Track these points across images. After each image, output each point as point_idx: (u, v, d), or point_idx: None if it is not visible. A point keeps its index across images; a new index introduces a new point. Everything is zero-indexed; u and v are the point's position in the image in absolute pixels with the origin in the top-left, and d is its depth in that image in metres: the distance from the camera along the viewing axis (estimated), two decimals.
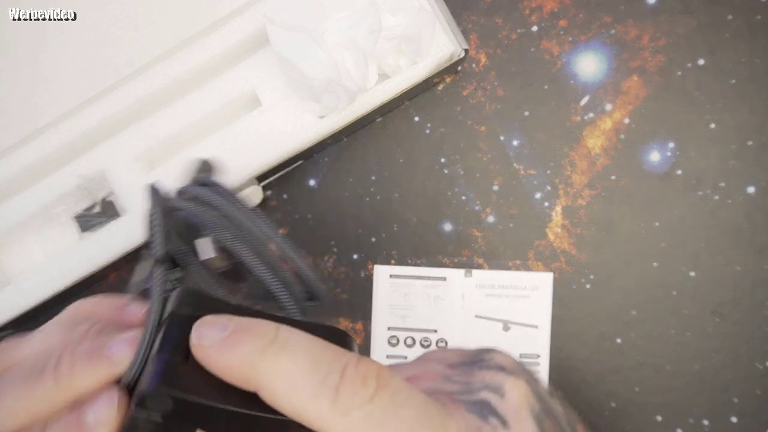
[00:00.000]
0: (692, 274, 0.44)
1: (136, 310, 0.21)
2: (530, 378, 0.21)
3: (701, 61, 0.45)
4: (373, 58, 0.38)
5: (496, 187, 0.45)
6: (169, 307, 0.18)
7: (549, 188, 0.45)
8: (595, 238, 0.45)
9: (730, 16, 0.45)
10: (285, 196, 0.46)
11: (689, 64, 0.45)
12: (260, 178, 0.42)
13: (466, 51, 0.40)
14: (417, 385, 0.18)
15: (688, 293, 0.44)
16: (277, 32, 0.38)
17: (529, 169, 0.45)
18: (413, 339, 0.44)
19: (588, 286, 0.45)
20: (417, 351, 0.44)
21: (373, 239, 0.45)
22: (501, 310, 0.44)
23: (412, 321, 0.44)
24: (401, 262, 0.45)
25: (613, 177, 0.45)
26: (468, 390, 0.20)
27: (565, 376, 0.44)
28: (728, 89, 0.44)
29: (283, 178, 0.45)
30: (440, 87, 0.45)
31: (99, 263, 0.40)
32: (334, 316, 0.45)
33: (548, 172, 0.45)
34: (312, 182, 0.45)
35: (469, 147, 0.45)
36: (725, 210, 0.44)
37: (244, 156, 0.40)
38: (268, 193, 0.45)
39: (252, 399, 0.17)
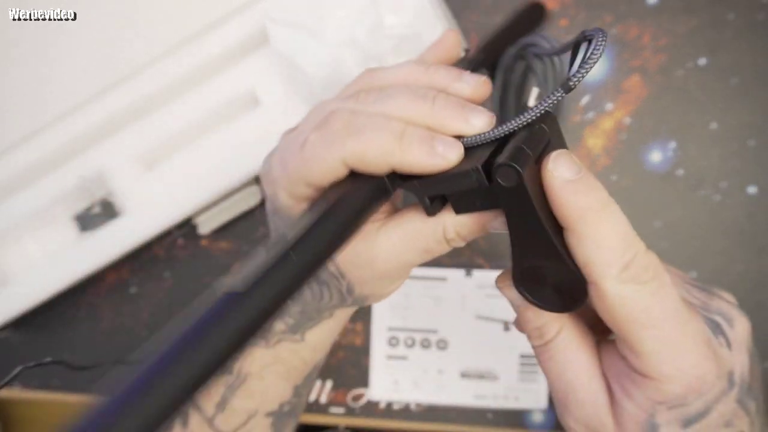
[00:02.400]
0: (693, 274, 0.44)
1: (477, 84, 0.24)
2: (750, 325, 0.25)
3: (702, 61, 0.44)
4: (374, 57, 0.38)
5: None
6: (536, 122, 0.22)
7: None
8: None
9: (731, 16, 0.44)
10: None
11: (690, 64, 0.45)
12: (260, 179, 0.42)
13: (467, 51, 0.40)
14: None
15: None
16: (277, 30, 0.37)
17: None
18: (413, 339, 0.44)
19: None
20: (417, 351, 0.44)
21: None
22: (501, 311, 0.44)
23: (413, 321, 0.44)
24: None
25: (614, 177, 0.45)
26: (706, 308, 0.23)
27: None
28: (729, 89, 0.44)
29: None
30: None
31: (99, 263, 0.40)
32: None
33: None
34: None
35: None
36: (726, 210, 0.44)
37: (244, 156, 0.40)
38: None
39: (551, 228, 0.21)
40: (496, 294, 0.44)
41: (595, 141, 0.45)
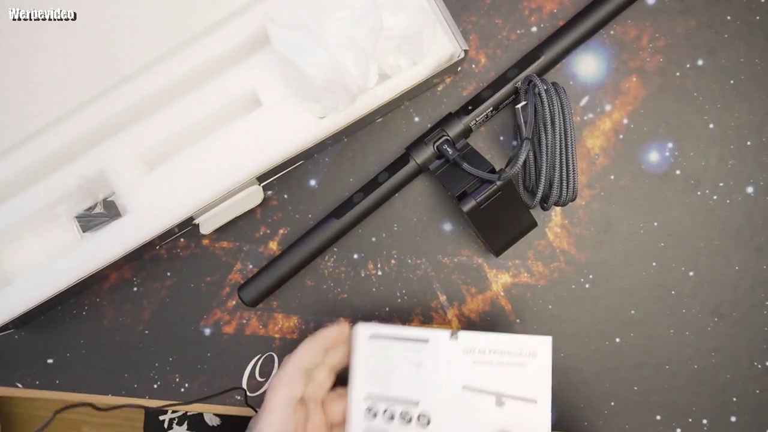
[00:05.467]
0: (691, 273, 0.45)
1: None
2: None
3: (700, 62, 0.45)
4: (374, 58, 0.38)
5: None
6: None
7: None
8: (594, 238, 0.45)
9: (729, 17, 0.45)
10: (285, 196, 0.46)
11: (688, 65, 0.45)
12: (261, 178, 0.42)
13: (466, 51, 0.41)
14: None
15: (688, 293, 0.44)
16: (277, 31, 0.38)
17: None
18: (393, 412, 0.37)
19: (587, 286, 0.45)
20: (397, 426, 0.37)
21: (373, 239, 0.45)
22: (493, 381, 0.36)
23: (393, 388, 0.37)
24: (401, 263, 0.45)
25: (613, 177, 0.45)
26: None
27: (565, 376, 0.45)
28: (727, 89, 0.45)
29: (283, 178, 0.45)
30: (440, 87, 0.45)
31: (100, 263, 0.40)
32: (335, 316, 0.45)
33: None
34: (312, 182, 0.46)
35: None
36: (724, 210, 0.45)
37: (245, 156, 0.40)
38: (269, 193, 0.46)
39: None
40: (486, 361, 0.37)
41: (594, 141, 0.45)
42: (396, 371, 0.37)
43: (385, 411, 0.37)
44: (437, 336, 0.37)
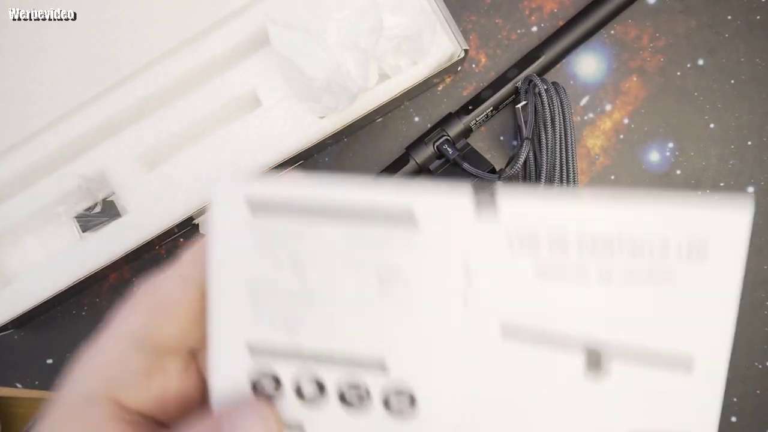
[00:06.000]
0: None
1: None
2: None
3: (701, 62, 0.45)
4: (374, 58, 0.38)
5: None
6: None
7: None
8: None
9: (729, 16, 0.45)
10: None
11: (689, 65, 0.45)
12: None
13: (466, 51, 0.41)
14: None
15: None
16: (277, 31, 0.38)
17: None
18: (321, 384, 0.17)
19: None
20: (332, 412, 0.17)
21: None
22: (582, 314, 0.16)
23: (316, 334, 0.17)
24: None
25: (613, 177, 0.45)
26: None
27: None
28: (728, 89, 0.45)
29: None
30: (440, 87, 0.45)
31: (99, 263, 0.40)
32: None
33: None
34: None
35: None
36: None
37: (244, 156, 0.40)
38: None
39: None
40: (573, 265, 0.16)
41: (594, 141, 0.45)
42: (326, 290, 0.17)
43: (295, 382, 0.17)
44: (444, 207, 0.16)
